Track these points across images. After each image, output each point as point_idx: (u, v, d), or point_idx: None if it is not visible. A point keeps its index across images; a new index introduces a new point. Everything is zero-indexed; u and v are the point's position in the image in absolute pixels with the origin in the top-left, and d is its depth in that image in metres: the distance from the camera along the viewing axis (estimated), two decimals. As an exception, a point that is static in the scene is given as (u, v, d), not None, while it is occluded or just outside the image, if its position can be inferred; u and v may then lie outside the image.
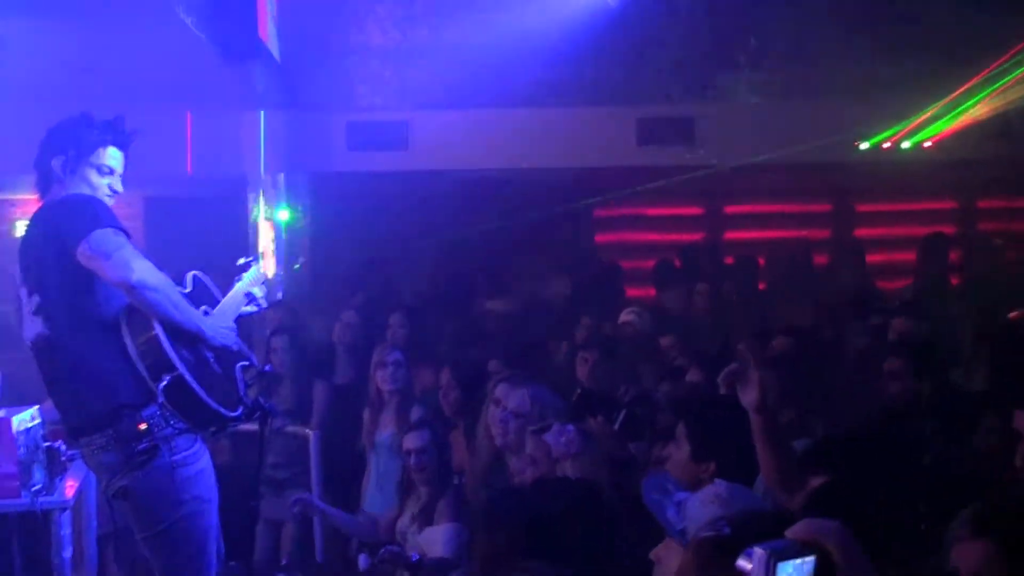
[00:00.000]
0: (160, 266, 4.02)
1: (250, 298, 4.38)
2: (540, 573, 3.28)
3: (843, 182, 10.66)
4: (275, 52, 8.67)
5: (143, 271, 3.73)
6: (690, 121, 9.44)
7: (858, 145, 9.07)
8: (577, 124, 9.33)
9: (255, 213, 9.60)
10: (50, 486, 4.86)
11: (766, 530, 1.79)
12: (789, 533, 1.60)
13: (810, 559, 1.58)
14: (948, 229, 9.80)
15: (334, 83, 9.35)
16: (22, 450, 4.72)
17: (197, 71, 8.16)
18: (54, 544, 4.68)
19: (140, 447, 3.74)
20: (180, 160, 9.29)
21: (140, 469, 3.77)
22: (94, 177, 4.01)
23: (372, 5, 9.66)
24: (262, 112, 9.25)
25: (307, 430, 6.51)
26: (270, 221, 9.42)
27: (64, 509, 4.72)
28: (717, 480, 3.20)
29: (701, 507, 2.58)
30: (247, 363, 4.17)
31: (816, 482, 3.08)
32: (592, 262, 10.35)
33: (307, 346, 7.12)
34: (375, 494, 6.06)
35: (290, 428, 6.57)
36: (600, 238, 11.80)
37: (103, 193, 4.02)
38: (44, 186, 4.03)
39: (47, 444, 4.92)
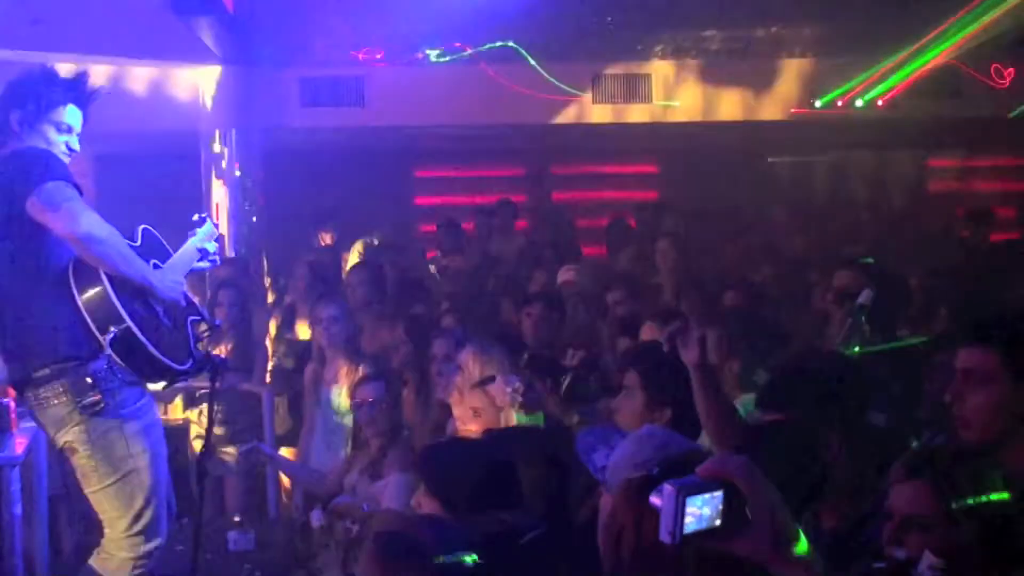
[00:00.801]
0: (113, 224, 4.03)
1: (203, 253, 4.38)
2: (498, 521, 3.29)
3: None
4: (228, 4, 8.54)
5: (90, 224, 3.71)
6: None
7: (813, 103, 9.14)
8: (532, 79, 9.30)
9: (209, 170, 9.52)
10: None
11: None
12: (699, 470, 1.64)
13: (719, 493, 1.62)
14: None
15: (289, 37, 9.23)
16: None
17: (149, 23, 8.02)
18: (3, 500, 4.66)
19: (87, 400, 3.72)
20: (131, 116, 9.15)
21: (88, 423, 3.75)
22: (52, 134, 3.98)
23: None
24: (217, 67, 9.15)
25: (260, 389, 6.49)
26: (223, 178, 9.33)
27: (13, 466, 4.69)
28: (646, 425, 3.24)
29: (633, 447, 2.60)
30: (198, 318, 4.16)
31: (768, 419, 3.08)
32: (550, 220, 10.37)
33: (256, 302, 7.08)
34: (322, 450, 6.06)
35: (245, 386, 6.55)
36: (557, 196, 11.86)
37: (59, 150, 3.99)
38: (2, 139, 3.98)
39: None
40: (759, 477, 1.63)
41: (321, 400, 6.11)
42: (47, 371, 3.76)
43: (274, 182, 9.55)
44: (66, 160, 4.00)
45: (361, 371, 5.86)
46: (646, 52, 9.39)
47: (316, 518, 5.24)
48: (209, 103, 9.30)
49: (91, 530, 6.09)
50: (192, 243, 4.32)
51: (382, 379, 5.22)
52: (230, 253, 8.64)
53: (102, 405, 3.74)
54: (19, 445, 4.83)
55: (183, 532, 4.78)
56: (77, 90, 4.06)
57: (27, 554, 5.03)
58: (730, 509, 1.63)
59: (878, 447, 3.03)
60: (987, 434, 2.72)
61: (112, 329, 3.73)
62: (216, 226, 4.51)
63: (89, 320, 3.74)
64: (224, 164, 9.41)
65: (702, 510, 1.61)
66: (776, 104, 9.51)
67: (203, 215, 4.48)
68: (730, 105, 9.54)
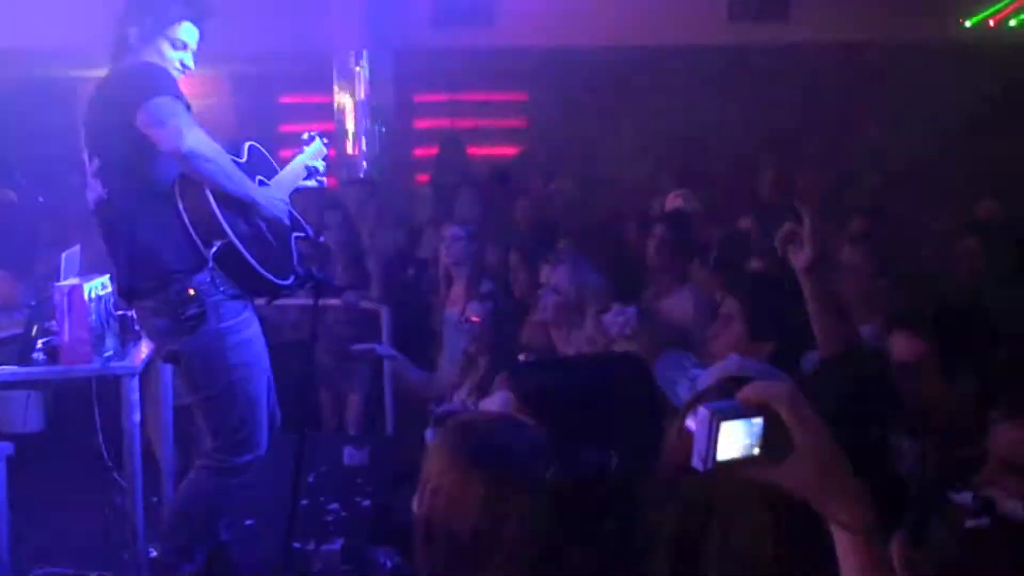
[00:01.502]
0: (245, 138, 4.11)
1: (311, 172, 4.40)
2: (583, 458, 3.21)
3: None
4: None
5: (195, 140, 3.74)
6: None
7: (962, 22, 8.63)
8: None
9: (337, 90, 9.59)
10: (122, 353, 4.99)
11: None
12: (740, 395, 1.53)
13: (758, 420, 1.50)
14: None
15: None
16: (94, 316, 4.82)
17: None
18: (124, 408, 4.79)
19: (189, 312, 3.79)
20: (264, 35, 9.25)
21: (189, 334, 3.83)
22: (167, 50, 4.01)
23: None
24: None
25: (380, 306, 6.55)
26: (352, 98, 9.38)
27: (133, 375, 4.82)
28: (731, 354, 3.10)
29: (707, 379, 2.49)
30: (302, 234, 4.18)
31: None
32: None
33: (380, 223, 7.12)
34: (446, 369, 6.09)
35: (364, 304, 6.62)
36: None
37: (173, 67, 4.03)
38: (118, 53, 4.04)
39: (120, 312, 5.04)
40: (804, 405, 1.51)
41: (445, 319, 6.14)
42: (152, 283, 3.84)
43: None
44: (178, 76, 4.04)
45: (482, 289, 5.87)
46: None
47: (431, 437, 5.29)
48: (341, 22, 9.33)
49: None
50: (299, 160, 4.34)
51: (489, 299, 5.18)
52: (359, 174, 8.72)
53: (203, 317, 3.80)
54: (138, 356, 4.97)
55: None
56: (196, 7, 4.08)
57: (151, 458, 5.22)
58: (771, 438, 1.52)
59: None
60: None
61: (215, 243, 3.78)
62: (326, 145, 4.51)
63: (193, 233, 3.80)
64: (356, 85, 9.47)
65: (739, 436, 1.51)
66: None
67: (312, 134, 4.48)
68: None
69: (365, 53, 9.48)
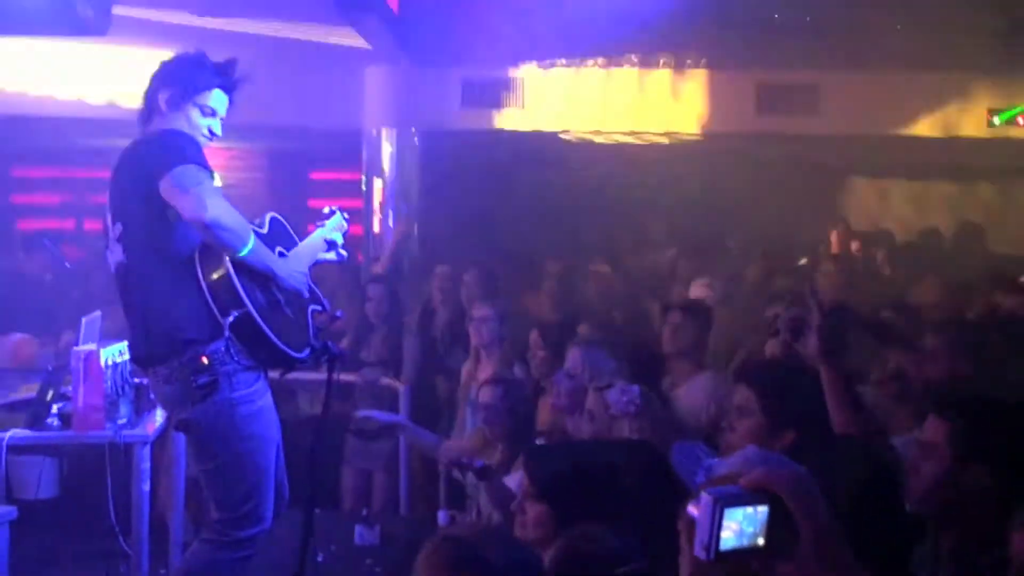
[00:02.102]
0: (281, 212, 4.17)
1: (330, 245, 4.39)
2: (594, 536, 3.16)
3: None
4: (393, 3, 8.65)
5: (217, 209, 3.74)
6: (814, 89, 9.15)
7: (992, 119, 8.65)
8: (696, 88, 9.13)
9: (370, 167, 9.68)
10: (136, 421, 4.99)
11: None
12: (743, 480, 1.48)
13: (763, 508, 1.45)
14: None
15: (451, 37, 9.28)
16: (109, 383, 4.85)
17: (315, 22, 8.18)
18: (134, 476, 4.78)
19: (200, 380, 3.76)
20: (299, 112, 9.37)
21: (200, 403, 3.80)
22: (195, 116, 4.04)
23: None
24: (379, 66, 9.29)
25: (398, 383, 6.52)
26: (380, 177, 9.47)
27: (144, 444, 4.82)
28: (749, 446, 3.04)
29: (726, 469, 2.43)
30: (319, 308, 4.17)
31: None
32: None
33: (404, 300, 7.13)
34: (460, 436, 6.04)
35: (384, 381, 6.60)
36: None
37: (200, 134, 4.04)
38: (146, 117, 4.06)
39: (136, 380, 5.05)
40: (810, 493, 1.46)
41: (468, 397, 6.10)
42: (166, 349, 3.83)
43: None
44: (206, 143, 4.06)
45: (511, 372, 5.83)
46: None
47: (443, 518, 5.22)
48: (372, 101, 9.45)
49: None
50: (319, 234, 4.34)
51: (500, 383, 5.15)
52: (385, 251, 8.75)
53: (216, 386, 3.78)
54: (151, 425, 4.96)
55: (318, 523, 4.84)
56: (225, 75, 4.10)
57: (163, 528, 5.19)
58: (776, 527, 1.47)
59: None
60: None
61: (232, 312, 3.77)
62: (347, 220, 4.52)
63: (211, 303, 3.79)
64: (384, 163, 9.57)
65: (743, 525, 1.46)
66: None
67: (333, 208, 4.49)
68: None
69: (394, 132, 9.58)
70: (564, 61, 9.36)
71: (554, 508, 3.34)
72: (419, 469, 6.42)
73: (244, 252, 3.80)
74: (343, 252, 4.43)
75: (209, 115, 4.07)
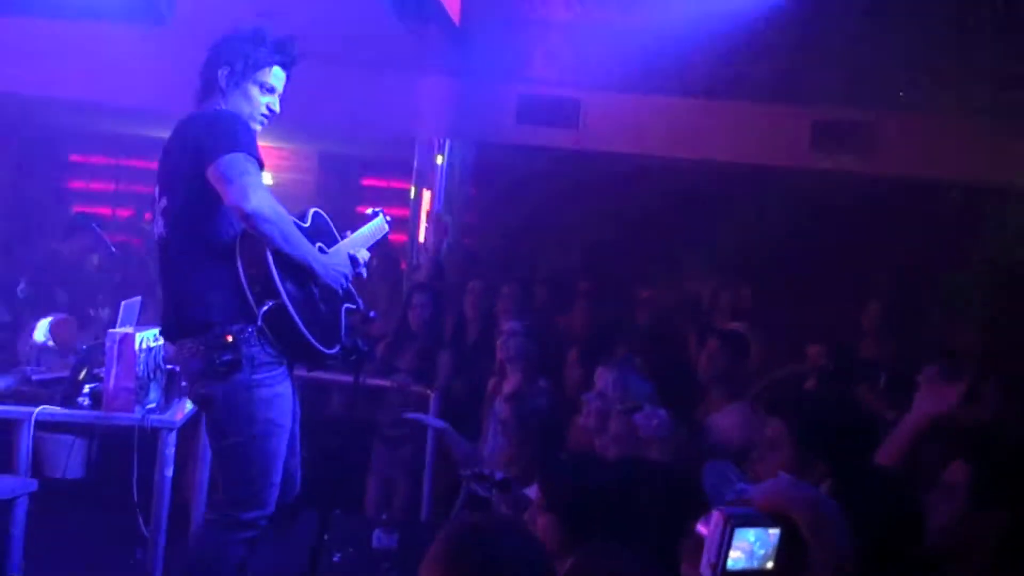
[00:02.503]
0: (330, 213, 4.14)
1: (369, 249, 4.37)
2: (610, 552, 3.12)
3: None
4: (454, 15, 8.68)
5: (259, 200, 3.73)
6: (869, 126, 9.05)
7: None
8: (749, 120, 9.06)
9: (421, 177, 9.71)
10: (164, 406, 5.01)
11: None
12: (758, 499, 1.43)
13: (775, 531, 1.40)
14: None
15: (511, 53, 9.29)
16: (141, 367, 4.87)
17: (374, 30, 8.21)
18: (158, 461, 4.80)
19: (224, 358, 3.76)
20: (354, 118, 9.40)
21: (221, 380, 3.80)
22: (255, 93, 4.02)
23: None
24: (437, 77, 9.31)
25: (428, 391, 6.51)
26: (430, 187, 9.49)
27: (171, 429, 4.83)
28: (781, 473, 2.98)
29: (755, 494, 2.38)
30: (353, 306, 4.16)
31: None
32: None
33: (446, 310, 7.14)
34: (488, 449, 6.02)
35: (414, 387, 6.59)
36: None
37: (259, 112, 4.03)
38: (205, 95, 4.04)
39: (169, 367, 5.07)
40: (828, 521, 1.40)
41: (495, 411, 6.08)
42: (195, 325, 3.83)
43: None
44: (264, 121, 4.06)
45: (537, 387, 5.81)
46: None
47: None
48: (426, 111, 9.47)
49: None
50: (360, 232, 4.33)
51: (517, 399, 5.13)
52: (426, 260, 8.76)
53: (238, 365, 3.78)
54: (180, 412, 4.98)
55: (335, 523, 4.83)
56: (285, 53, 4.08)
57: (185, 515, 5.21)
58: (787, 552, 1.41)
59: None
60: None
61: (267, 302, 3.76)
62: (389, 222, 4.51)
63: (248, 291, 3.78)
64: (435, 173, 9.58)
65: (755, 546, 1.40)
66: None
67: (377, 210, 4.48)
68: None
69: (447, 143, 9.60)
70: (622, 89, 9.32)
71: (563, 520, 3.32)
72: (442, 477, 6.39)
73: (283, 245, 3.80)
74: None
75: (268, 92, 4.06)
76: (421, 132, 9.73)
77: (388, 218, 4.52)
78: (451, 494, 6.22)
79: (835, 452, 3.48)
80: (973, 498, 2.53)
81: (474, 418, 6.48)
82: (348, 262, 4.12)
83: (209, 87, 4.03)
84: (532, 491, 4.69)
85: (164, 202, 3.96)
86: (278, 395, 3.87)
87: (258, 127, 4.06)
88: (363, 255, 4.19)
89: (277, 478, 3.89)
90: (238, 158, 3.76)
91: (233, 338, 3.76)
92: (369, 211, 4.52)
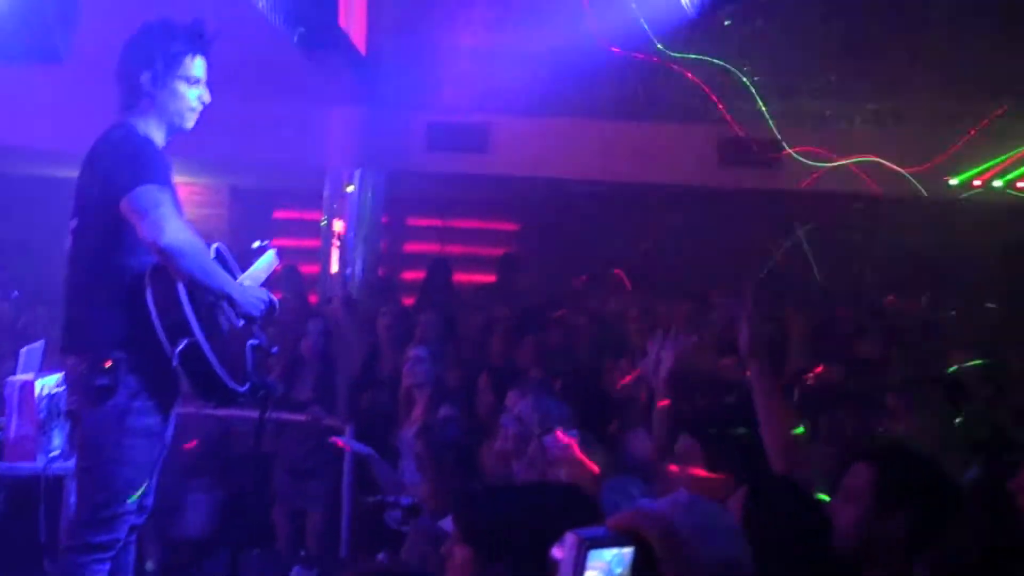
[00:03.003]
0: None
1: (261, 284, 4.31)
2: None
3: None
4: (360, 45, 8.68)
5: (175, 233, 3.64)
6: (777, 144, 9.22)
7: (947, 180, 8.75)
8: (657, 140, 9.18)
9: (331, 206, 9.66)
10: (69, 453, 4.88)
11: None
12: (611, 520, 1.45)
13: (628, 551, 1.42)
14: None
15: (418, 81, 9.30)
16: (43, 414, 4.75)
17: (281, 61, 8.16)
18: (64, 510, 4.67)
19: (99, 382, 3.70)
20: (263, 150, 9.33)
21: (92, 403, 3.73)
22: (183, 88, 3.92)
23: (466, 5, 9.63)
24: (345, 108, 9.29)
25: (341, 423, 6.47)
26: (342, 218, 9.45)
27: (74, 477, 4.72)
28: (680, 489, 3.01)
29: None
30: (257, 342, 4.10)
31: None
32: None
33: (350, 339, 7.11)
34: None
35: (327, 420, 6.53)
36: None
37: (189, 106, 3.93)
38: (130, 101, 3.91)
39: (71, 411, 4.95)
40: (678, 536, 1.43)
41: (401, 438, 6.05)
42: (79, 348, 3.78)
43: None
44: (196, 113, 3.96)
45: (440, 414, 5.78)
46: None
47: (382, 559, 5.15)
48: (336, 142, 9.45)
49: (175, 551, 6.23)
50: (256, 267, 4.26)
51: (425, 433, 5.12)
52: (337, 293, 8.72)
53: (112, 393, 3.70)
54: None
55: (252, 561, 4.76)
56: (200, 38, 3.97)
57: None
58: (642, 570, 1.43)
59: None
60: None
61: (181, 341, 3.68)
62: (279, 256, 4.43)
63: (158, 326, 3.68)
64: (346, 204, 9.56)
65: (611, 564, 1.42)
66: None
67: (264, 244, 4.35)
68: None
69: (358, 173, 9.57)
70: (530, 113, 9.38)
71: (479, 552, 3.30)
72: (360, 510, 6.34)
73: (202, 277, 3.74)
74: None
75: (194, 84, 3.95)
76: (331, 162, 9.70)
77: (275, 249, 4.43)
78: (368, 526, 6.17)
79: (737, 462, 3.55)
80: (879, 499, 2.62)
81: (388, 446, 6.45)
82: (264, 293, 4.07)
83: (133, 93, 3.91)
84: (447, 522, 4.68)
85: (75, 223, 3.88)
86: (147, 426, 3.79)
87: (191, 123, 3.97)
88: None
89: (132, 506, 3.81)
90: (150, 190, 3.68)
91: (112, 364, 3.69)
92: (256, 245, 4.37)
